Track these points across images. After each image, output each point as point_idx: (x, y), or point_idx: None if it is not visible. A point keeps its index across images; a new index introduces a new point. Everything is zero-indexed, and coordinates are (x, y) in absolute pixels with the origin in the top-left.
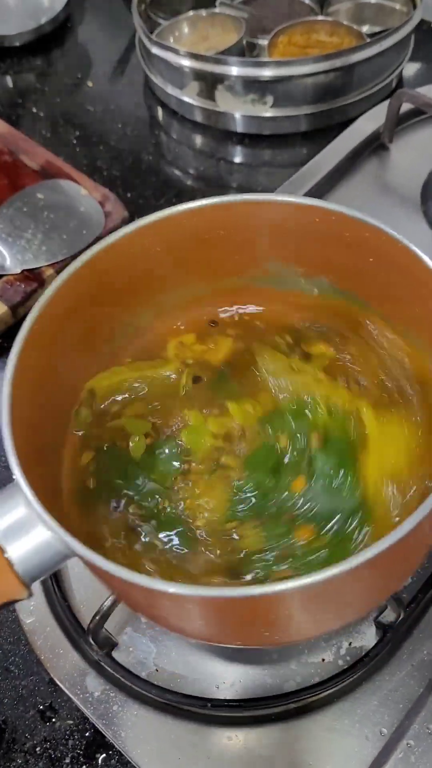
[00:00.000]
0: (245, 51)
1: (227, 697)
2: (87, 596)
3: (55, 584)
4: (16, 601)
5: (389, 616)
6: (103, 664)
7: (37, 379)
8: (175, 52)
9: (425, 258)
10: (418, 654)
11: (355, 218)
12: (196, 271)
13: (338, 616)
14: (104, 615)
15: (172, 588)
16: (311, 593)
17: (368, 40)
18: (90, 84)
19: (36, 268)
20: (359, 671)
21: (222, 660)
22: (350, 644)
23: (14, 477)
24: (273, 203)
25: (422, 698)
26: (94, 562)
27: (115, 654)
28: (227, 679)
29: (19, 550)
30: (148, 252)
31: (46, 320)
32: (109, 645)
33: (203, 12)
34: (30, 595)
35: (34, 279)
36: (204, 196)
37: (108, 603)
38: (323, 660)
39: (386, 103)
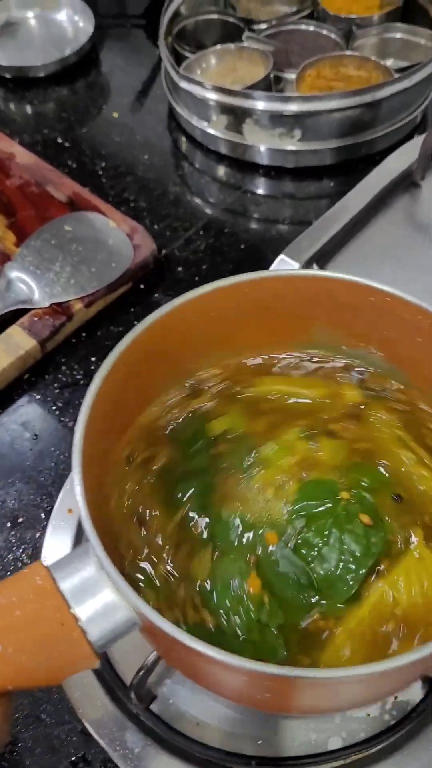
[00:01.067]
0: (272, 85)
1: (271, 755)
2: (125, 647)
3: None
4: (86, 669)
5: None
6: (143, 718)
7: (99, 436)
8: (203, 86)
9: None
10: None
11: (411, 302)
12: (243, 337)
13: (392, 688)
14: (148, 670)
15: (247, 664)
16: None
17: (395, 75)
18: (115, 115)
19: (65, 302)
20: (407, 726)
21: (264, 714)
22: (396, 698)
23: (88, 538)
24: (329, 279)
25: None
26: (168, 631)
27: (154, 707)
28: (269, 735)
29: (90, 618)
30: (203, 318)
31: (109, 385)
32: (149, 698)
33: (231, 46)
34: (99, 665)
35: (63, 313)
36: (231, 228)
37: (152, 657)
38: (368, 715)
39: (418, 139)
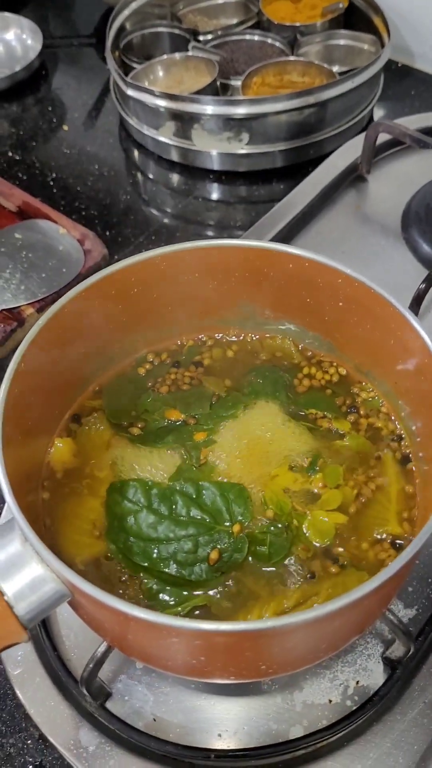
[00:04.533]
0: (219, 92)
1: (231, 747)
2: (77, 642)
3: (43, 631)
4: (15, 644)
5: (397, 650)
6: (97, 716)
7: (23, 409)
8: (151, 93)
9: (397, 304)
10: (430, 690)
11: (328, 265)
12: (169, 312)
13: (330, 647)
14: (98, 662)
15: (178, 622)
16: (303, 628)
17: (339, 78)
18: (65, 128)
19: (15, 308)
20: (369, 712)
21: (223, 705)
22: (357, 683)
23: (12, 512)
24: (247, 248)
25: None
26: (96, 596)
27: (109, 704)
28: (229, 727)
29: (17, 592)
30: (124, 294)
31: (27, 365)
32: (103, 695)
33: (177, 56)
34: (29, 638)
35: (14, 318)
36: (182, 233)
37: (102, 649)
38: (330, 701)
39: (363, 135)
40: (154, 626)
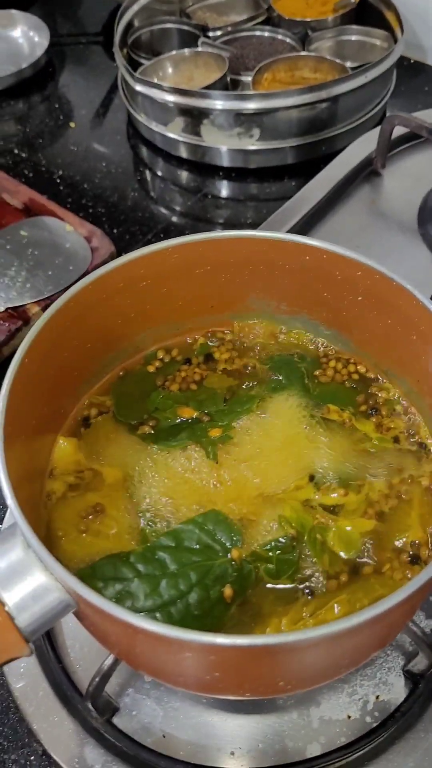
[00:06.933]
0: (229, 88)
1: (244, 766)
2: (83, 654)
3: (47, 642)
4: (16, 658)
5: (420, 663)
6: (103, 732)
7: (26, 410)
8: (160, 88)
9: (420, 296)
10: None
11: (348, 257)
12: (179, 307)
13: (352, 662)
14: (105, 676)
15: (190, 636)
16: (319, 644)
17: (351, 73)
18: (72, 125)
19: (20, 306)
20: (390, 729)
21: (236, 721)
22: (378, 698)
23: (14, 516)
24: (261, 240)
25: None
26: (103, 607)
27: (116, 719)
28: (243, 744)
29: (19, 602)
30: (133, 287)
31: (31, 360)
32: (110, 710)
33: (186, 51)
34: (32, 652)
35: (19, 317)
36: (191, 231)
37: (109, 662)
38: (349, 717)
39: (377, 129)
40: (164, 640)
